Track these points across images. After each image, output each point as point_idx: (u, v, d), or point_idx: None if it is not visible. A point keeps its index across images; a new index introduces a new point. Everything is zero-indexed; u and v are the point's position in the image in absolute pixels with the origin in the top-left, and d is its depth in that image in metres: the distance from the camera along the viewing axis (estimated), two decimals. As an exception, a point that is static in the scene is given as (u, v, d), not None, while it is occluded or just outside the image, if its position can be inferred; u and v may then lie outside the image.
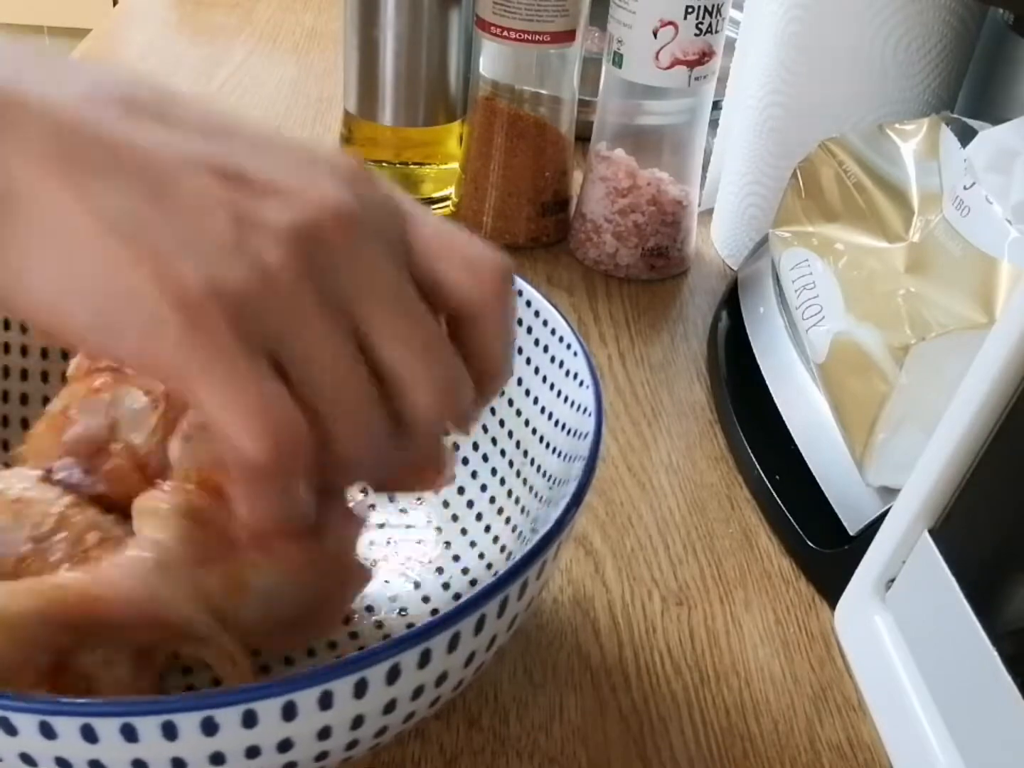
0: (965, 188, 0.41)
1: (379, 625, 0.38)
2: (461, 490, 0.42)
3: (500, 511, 0.41)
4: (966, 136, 0.45)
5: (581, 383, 0.37)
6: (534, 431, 0.40)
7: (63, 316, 0.25)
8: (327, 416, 0.26)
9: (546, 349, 0.39)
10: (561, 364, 0.38)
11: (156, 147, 0.25)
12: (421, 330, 0.27)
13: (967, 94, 0.59)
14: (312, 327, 0.25)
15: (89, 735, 0.24)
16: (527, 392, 0.40)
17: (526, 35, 0.59)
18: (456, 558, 0.40)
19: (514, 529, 0.39)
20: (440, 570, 0.40)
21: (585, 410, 0.35)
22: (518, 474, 0.40)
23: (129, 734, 0.24)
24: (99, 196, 0.25)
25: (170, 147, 0.26)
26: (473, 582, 0.39)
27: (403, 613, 0.38)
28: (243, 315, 0.25)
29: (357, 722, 0.27)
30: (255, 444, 0.25)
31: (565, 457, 0.36)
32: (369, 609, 0.38)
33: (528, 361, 0.41)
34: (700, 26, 0.56)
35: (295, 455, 0.25)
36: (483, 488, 0.42)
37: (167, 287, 0.24)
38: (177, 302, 0.24)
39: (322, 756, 0.27)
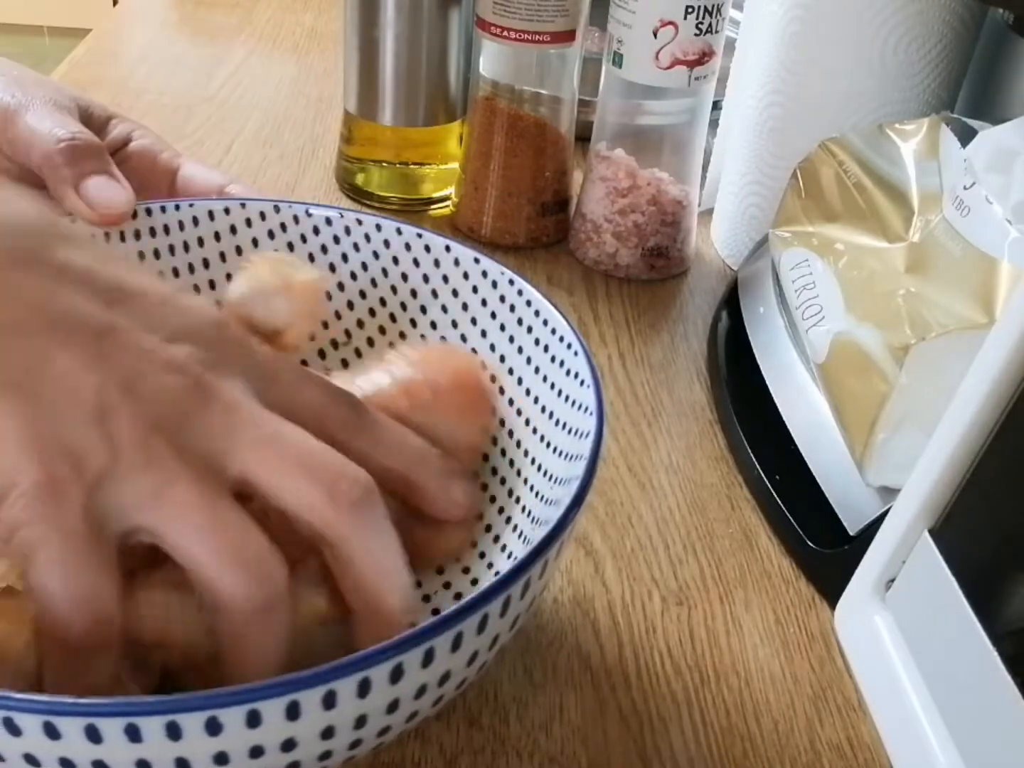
0: (965, 188, 0.41)
1: None
2: None
3: (501, 510, 0.40)
4: (966, 136, 0.45)
5: (582, 382, 0.36)
6: (535, 431, 0.40)
7: None
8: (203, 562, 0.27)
9: (546, 348, 0.39)
10: (562, 363, 0.38)
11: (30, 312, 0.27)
12: (290, 451, 0.29)
13: (967, 94, 0.59)
14: (166, 491, 0.27)
15: (93, 735, 0.24)
16: (527, 392, 0.40)
17: (526, 35, 0.59)
18: (456, 558, 0.40)
19: (515, 528, 0.39)
20: (440, 570, 0.40)
21: (586, 409, 0.35)
22: (519, 473, 0.40)
23: (133, 734, 0.24)
24: None
25: (47, 308, 0.27)
26: (474, 581, 0.39)
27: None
28: (97, 497, 0.26)
29: (360, 721, 0.27)
30: (68, 633, 0.26)
31: (566, 456, 0.36)
32: None
33: (528, 361, 0.40)
34: (700, 26, 0.56)
35: (91, 643, 0.26)
36: (484, 487, 0.42)
37: (23, 453, 0.26)
38: (37, 469, 0.26)
39: (326, 755, 0.27)
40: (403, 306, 0.44)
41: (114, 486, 0.26)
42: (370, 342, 0.45)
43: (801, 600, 0.43)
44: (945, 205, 0.43)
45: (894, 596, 0.38)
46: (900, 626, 0.37)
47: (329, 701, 0.25)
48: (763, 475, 0.47)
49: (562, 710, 0.37)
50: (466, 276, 0.43)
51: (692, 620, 0.41)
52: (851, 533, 0.41)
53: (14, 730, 0.24)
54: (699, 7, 0.56)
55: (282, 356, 0.32)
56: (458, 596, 0.39)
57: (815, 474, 0.44)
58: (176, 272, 0.45)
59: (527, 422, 0.40)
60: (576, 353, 0.37)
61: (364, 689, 0.26)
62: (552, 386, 0.39)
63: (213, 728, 0.24)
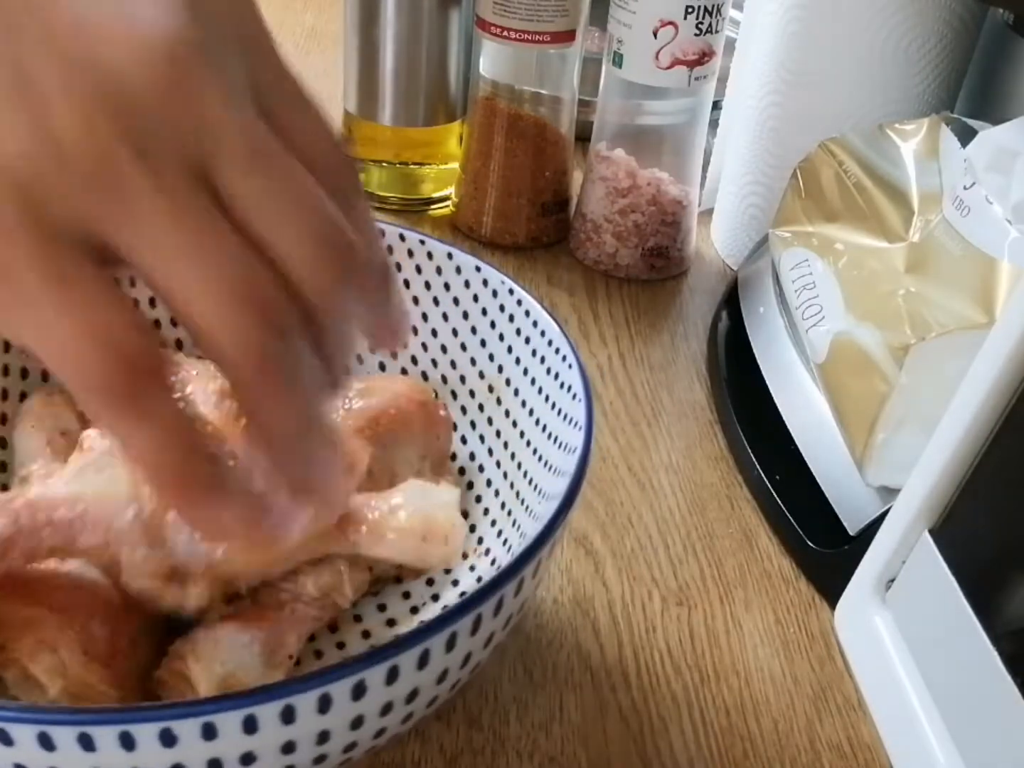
0: (965, 188, 0.41)
1: (366, 635, 0.38)
2: None
3: (493, 523, 0.40)
4: (966, 136, 0.45)
5: (574, 396, 0.36)
6: (528, 443, 0.40)
7: None
8: (183, 296, 0.20)
9: (543, 360, 0.39)
10: (556, 376, 0.38)
11: None
12: (287, 183, 0.22)
13: (967, 94, 0.59)
14: (140, 208, 0.20)
15: (87, 744, 0.24)
16: (523, 403, 0.40)
17: (526, 35, 0.59)
18: (447, 570, 0.40)
19: (505, 542, 0.39)
20: (431, 581, 0.40)
21: (577, 424, 0.35)
22: (512, 486, 0.40)
23: (127, 742, 0.24)
24: None
25: None
26: (462, 594, 0.39)
27: (391, 624, 0.38)
28: (40, 207, 0.19)
29: (356, 723, 0.27)
30: (85, 383, 0.20)
31: (555, 471, 0.36)
32: (357, 618, 0.38)
33: (525, 372, 0.40)
34: (700, 26, 0.56)
35: (143, 375, 0.20)
36: (478, 499, 0.42)
37: None
38: None
39: (320, 759, 0.27)
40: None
41: (56, 198, 0.19)
42: (371, 349, 0.45)
43: (801, 600, 0.43)
44: (945, 205, 0.43)
45: (894, 596, 0.38)
46: (900, 626, 0.37)
47: (324, 704, 0.25)
48: (763, 475, 0.47)
49: (562, 710, 0.37)
50: (467, 284, 0.43)
51: (692, 620, 0.41)
52: (851, 533, 0.41)
53: (7, 740, 0.24)
54: (699, 7, 0.56)
55: (288, 66, 0.25)
56: (445, 608, 0.38)
57: (815, 474, 0.44)
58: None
59: (521, 434, 0.40)
60: (571, 366, 0.37)
61: (359, 692, 0.26)
62: (547, 398, 0.39)
63: (209, 733, 0.24)
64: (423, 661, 0.27)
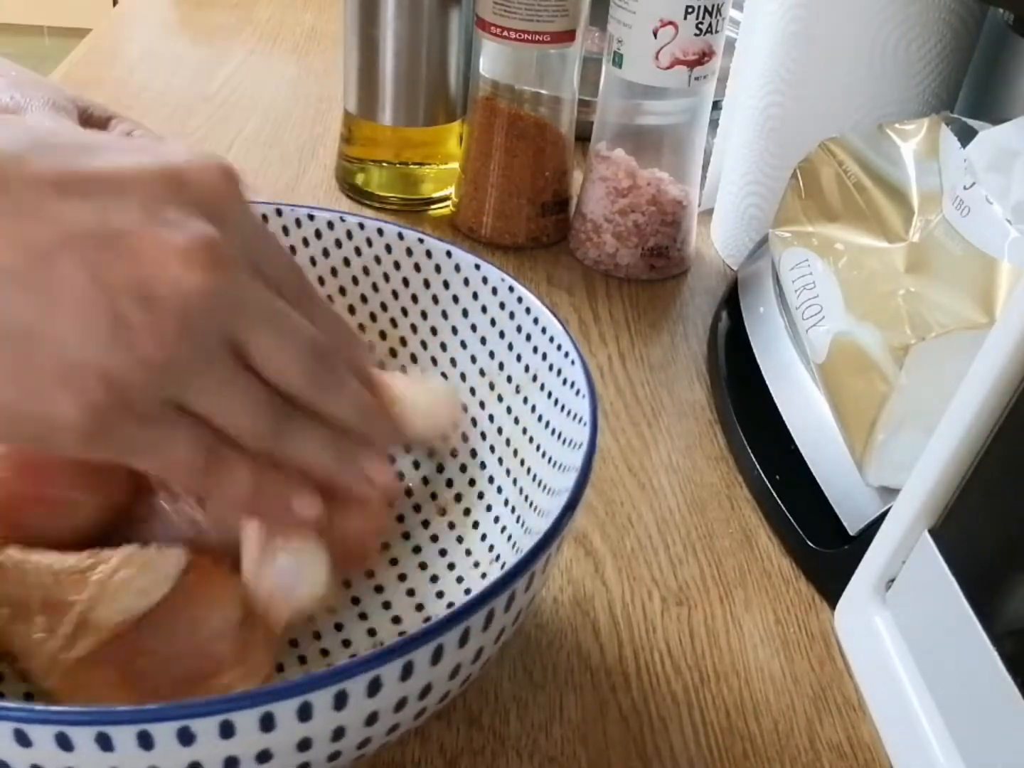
0: (965, 188, 0.41)
1: (372, 632, 0.38)
2: (459, 497, 0.42)
3: (497, 519, 0.40)
4: (966, 136, 0.45)
5: (578, 392, 0.36)
6: (531, 440, 0.40)
7: None
8: (242, 435, 0.30)
9: (544, 356, 0.39)
10: (559, 372, 0.38)
11: (22, 231, 0.26)
12: (300, 337, 0.30)
13: (967, 94, 0.59)
14: (198, 379, 0.28)
15: (105, 743, 0.24)
16: (525, 400, 0.40)
17: (526, 35, 0.59)
18: (452, 566, 0.40)
19: (509, 539, 0.39)
20: (435, 578, 0.40)
21: (581, 420, 0.35)
22: (515, 483, 0.40)
23: (145, 741, 0.24)
24: None
25: (38, 226, 0.26)
26: (467, 591, 0.39)
27: (397, 621, 0.38)
28: (134, 399, 0.27)
29: (371, 719, 0.27)
30: (189, 483, 0.31)
31: (560, 467, 0.36)
32: (362, 616, 0.38)
33: (527, 369, 0.40)
34: (700, 26, 0.56)
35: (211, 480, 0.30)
36: (480, 496, 0.42)
37: (59, 390, 0.26)
38: (82, 409, 0.26)
39: (335, 756, 0.28)
40: (404, 311, 0.44)
41: (146, 390, 0.27)
42: (371, 347, 0.45)
43: (801, 600, 0.43)
44: (945, 205, 0.43)
45: (894, 596, 0.38)
46: (900, 626, 0.37)
47: (340, 701, 0.26)
48: (763, 475, 0.47)
49: (562, 710, 0.37)
50: (467, 282, 0.43)
51: (692, 620, 0.41)
52: (851, 533, 0.41)
53: (25, 741, 0.24)
54: (699, 7, 0.56)
55: (288, 257, 0.33)
56: (451, 606, 0.39)
57: (815, 474, 0.44)
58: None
59: (524, 431, 0.40)
60: (573, 362, 0.37)
61: (375, 688, 0.26)
62: (549, 394, 0.39)
63: (227, 731, 0.24)
64: (436, 657, 0.27)
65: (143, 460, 0.29)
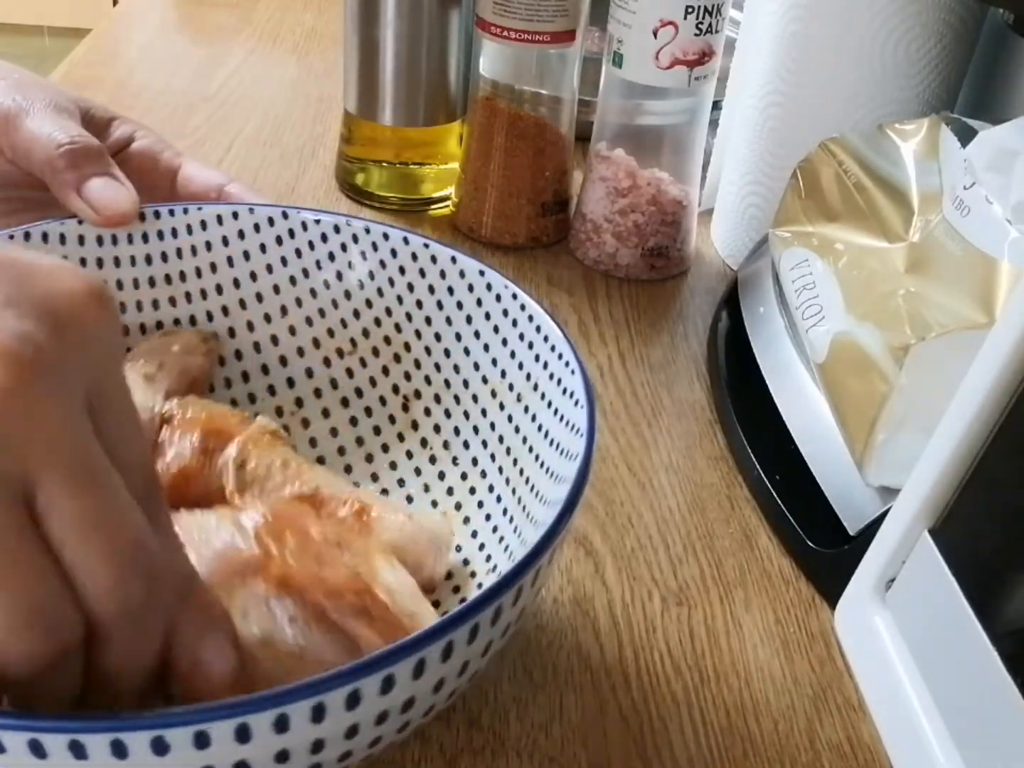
0: (965, 188, 0.41)
1: None
2: (458, 506, 0.42)
3: (495, 529, 0.40)
4: (966, 136, 0.45)
5: (576, 402, 0.36)
6: (530, 448, 0.39)
7: None
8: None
9: (546, 365, 0.39)
10: (559, 382, 0.38)
11: None
12: (97, 503, 0.24)
13: (967, 94, 0.59)
14: None
15: (119, 751, 0.24)
16: (526, 409, 0.40)
17: (526, 35, 0.59)
18: (448, 575, 0.40)
19: (506, 549, 0.39)
20: (431, 588, 0.40)
21: (579, 431, 0.35)
22: (514, 492, 0.40)
23: (159, 747, 0.24)
24: None
25: None
26: (462, 600, 0.38)
27: None
28: None
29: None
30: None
31: (557, 478, 0.36)
32: None
33: (528, 377, 0.40)
34: (700, 26, 0.56)
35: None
36: (480, 505, 0.42)
37: None
38: None
39: (346, 756, 0.27)
40: (408, 316, 0.44)
41: None
42: (375, 352, 0.45)
43: (801, 600, 0.43)
44: (945, 205, 0.43)
45: (894, 596, 0.38)
46: (900, 626, 0.37)
47: (353, 700, 0.25)
48: (763, 475, 0.47)
49: (562, 710, 0.37)
50: (471, 288, 0.42)
51: (692, 620, 0.41)
52: (851, 533, 0.41)
53: (40, 752, 0.23)
54: (699, 7, 0.56)
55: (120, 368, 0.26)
56: (445, 613, 0.38)
57: (815, 474, 0.44)
58: (183, 276, 0.45)
59: (524, 439, 0.40)
60: (573, 372, 0.37)
61: (388, 686, 0.26)
62: (549, 404, 0.39)
63: (242, 736, 0.24)
64: (419, 670, 0.26)
65: None
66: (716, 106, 0.63)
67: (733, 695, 0.38)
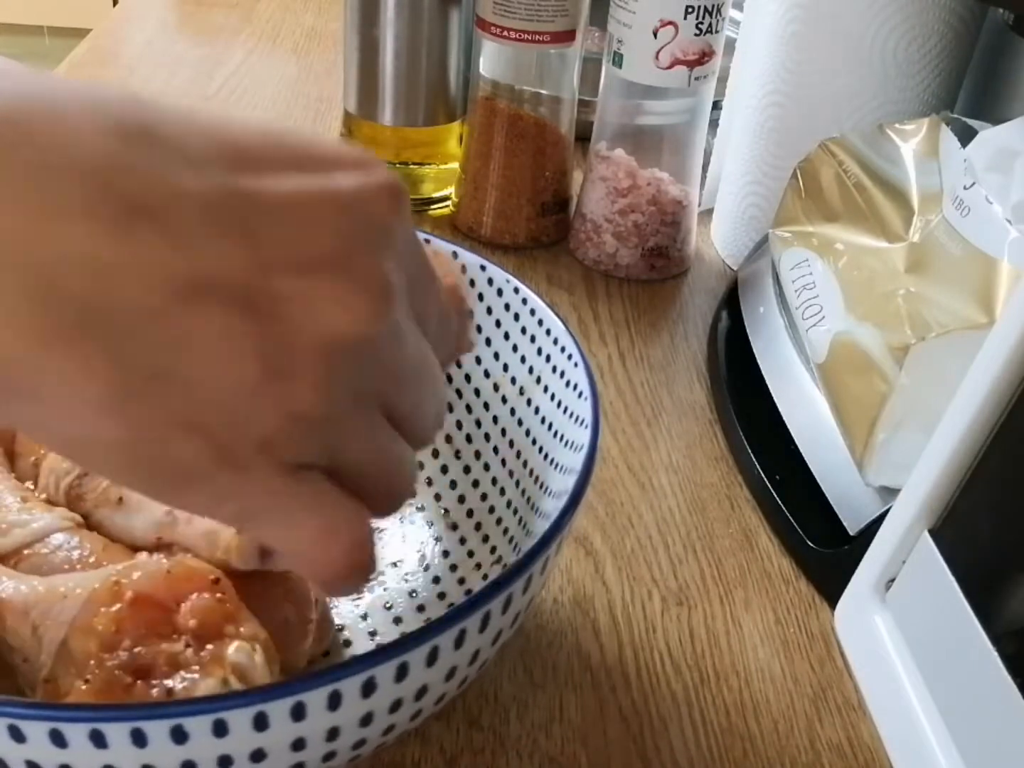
0: (965, 188, 0.41)
1: (373, 634, 0.38)
2: (462, 499, 0.42)
3: (499, 521, 0.40)
4: (966, 136, 0.45)
5: (580, 394, 0.36)
6: (534, 441, 0.40)
7: (93, 463, 0.23)
8: (377, 495, 0.26)
9: (548, 358, 0.39)
10: (562, 374, 0.38)
11: (142, 273, 0.21)
12: (434, 385, 0.27)
13: (967, 94, 0.59)
14: (349, 439, 0.24)
15: (98, 740, 0.24)
16: (528, 402, 0.40)
17: (526, 35, 0.59)
18: (454, 567, 0.40)
19: (511, 540, 0.39)
20: (437, 579, 0.40)
21: (583, 422, 0.35)
22: (517, 484, 0.40)
23: (139, 739, 0.24)
24: (102, 359, 0.21)
25: (162, 266, 0.21)
26: (468, 592, 0.39)
27: (398, 622, 0.38)
28: (282, 454, 0.23)
29: (366, 720, 0.27)
30: (331, 569, 0.25)
31: (562, 469, 0.36)
32: (364, 617, 0.38)
33: (531, 370, 0.40)
34: (700, 26, 0.56)
35: (365, 563, 0.25)
36: (483, 498, 0.42)
37: (202, 447, 0.22)
38: (217, 460, 0.22)
39: (329, 756, 0.28)
40: None
41: (297, 447, 0.23)
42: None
43: (801, 600, 0.43)
44: (945, 205, 0.43)
45: (894, 596, 0.38)
46: (900, 626, 0.37)
47: (334, 701, 0.25)
48: (763, 475, 0.47)
49: (562, 710, 0.37)
50: (472, 283, 0.43)
51: (692, 620, 0.41)
52: (851, 533, 0.41)
53: (19, 737, 0.24)
54: (699, 7, 0.56)
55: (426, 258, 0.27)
56: (451, 606, 0.39)
57: (815, 474, 0.44)
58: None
59: (527, 432, 0.40)
60: (576, 364, 0.37)
61: (369, 689, 0.26)
62: (552, 396, 0.39)
63: (220, 730, 0.24)
64: (432, 658, 0.27)
65: (276, 530, 0.24)
66: (716, 106, 0.63)
67: (733, 695, 0.38)
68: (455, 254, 0.43)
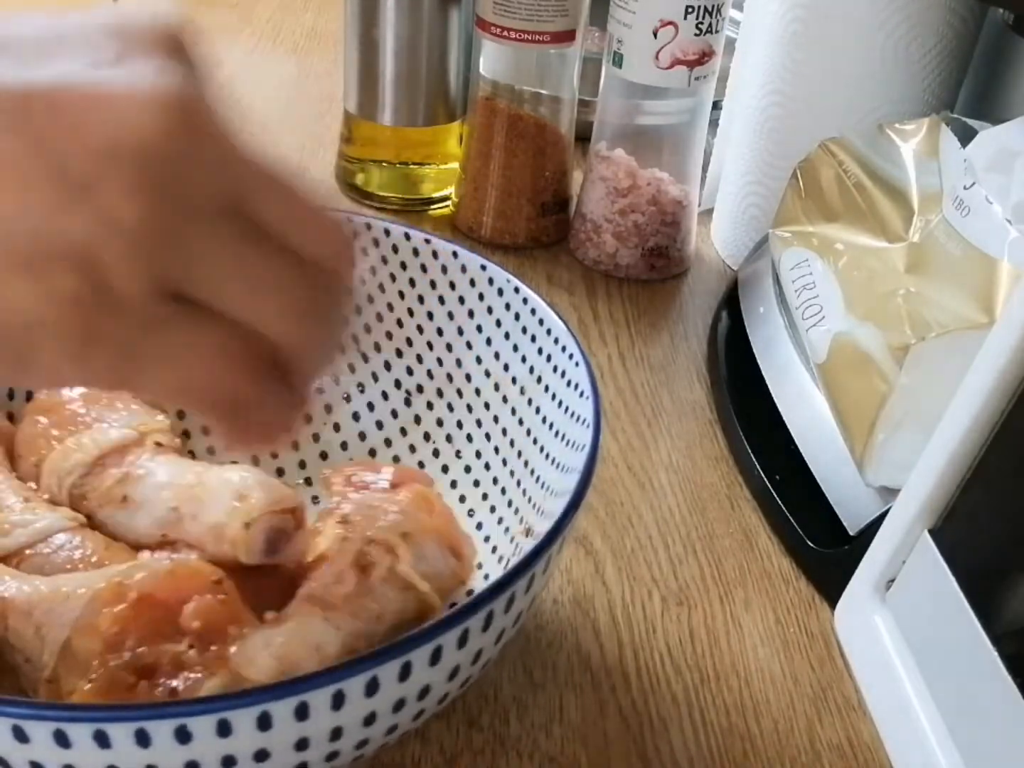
0: (965, 188, 0.41)
1: None
2: (463, 499, 0.42)
3: (500, 521, 0.40)
4: (966, 136, 0.45)
5: (581, 393, 0.36)
6: (535, 441, 0.40)
7: None
8: (267, 316, 0.24)
9: (549, 358, 0.39)
10: (563, 374, 0.38)
11: None
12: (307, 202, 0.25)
13: (967, 94, 0.59)
14: (203, 254, 0.23)
15: (103, 741, 0.24)
16: (529, 401, 0.40)
17: (526, 35, 0.59)
18: None
19: (512, 540, 0.39)
20: None
21: (584, 421, 0.35)
22: (518, 484, 0.40)
23: (143, 739, 0.24)
24: None
25: None
26: (469, 592, 0.39)
27: None
28: (124, 276, 0.22)
29: (369, 719, 0.27)
30: (205, 408, 0.24)
31: (563, 468, 0.36)
32: None
33: (532, 370, 0.40)
34: (700, 26, 0.56)
35: (243, 390, 0.24)
36: (484, 497, 0.42)
37: (33, 288, 0.21)
38: (57, 298, 0.21)
39: (332, 756, 0.28)
40: (410, 312, 0.44)
41: (129, 268, 0.22)
42: (377, 347, 0.45)
43: (801, 600, 0.43)
44: (945, 205, 0.43)
45: (894, 596, 0.38)
46: (900, 626, 0.37)
47: (338, 700, 0.25)
48: (763, 475, 0.47)
49: (562, 710, 0.37)
50: (472, 283, 0.43)
51: (692, 620, 0.41)
52: (851, 533, 0.41)
53: (23, 737, 0.24)
54: (699, 7, 0.56)
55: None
56: (452, 607, 0.39)
57: (815, 474, 0.44)
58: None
59: (528, 432, 0.40)
60: (577, 364, 0.37)
61: (372, 688, 0.26)
62: (553, 396, 0.39)
63: (224, 730, 0.25)
64: (435, 657, 0.27)
65: (153, 381, 0.23)
66: (716, 106, 0.63)
67: (733, 695, 0.38)
68: (455, 253, 0.43)
